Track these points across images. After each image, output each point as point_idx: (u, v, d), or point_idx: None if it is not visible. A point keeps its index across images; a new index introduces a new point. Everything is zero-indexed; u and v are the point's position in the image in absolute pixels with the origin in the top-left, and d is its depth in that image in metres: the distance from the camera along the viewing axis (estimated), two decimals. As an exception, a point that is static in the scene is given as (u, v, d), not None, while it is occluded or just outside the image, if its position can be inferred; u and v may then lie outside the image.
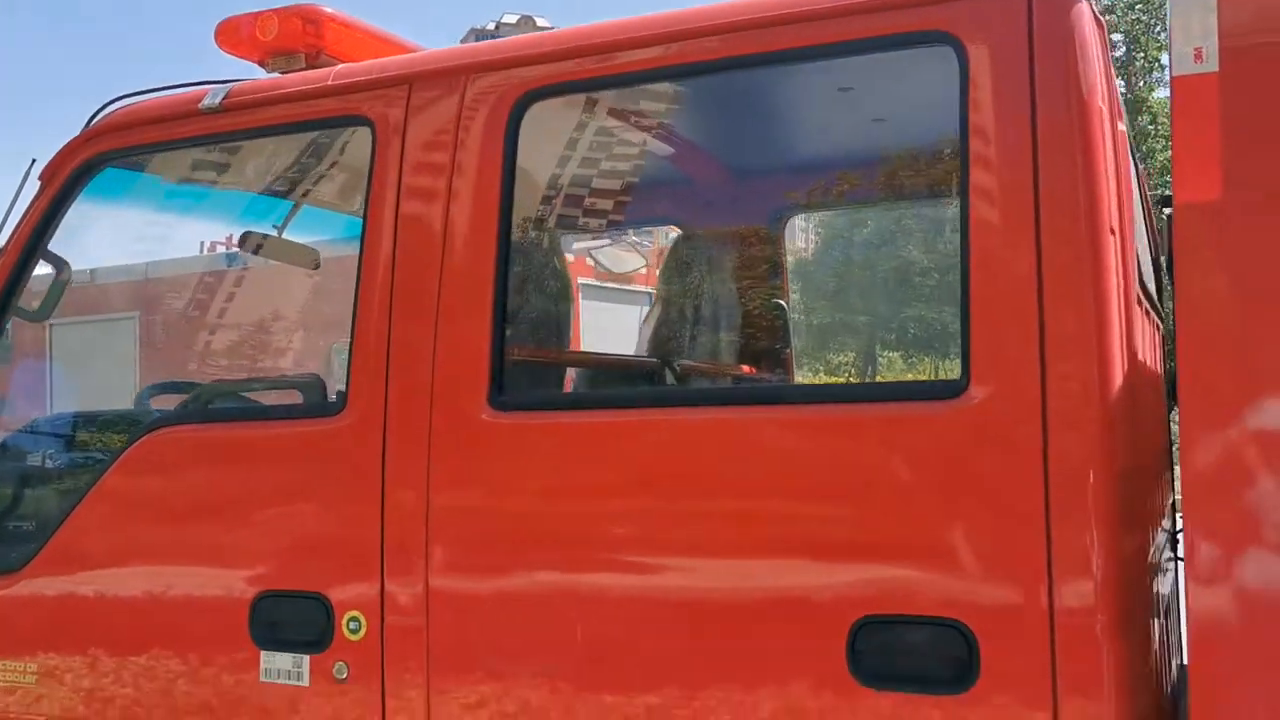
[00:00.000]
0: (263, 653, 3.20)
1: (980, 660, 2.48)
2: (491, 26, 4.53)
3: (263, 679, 3.19)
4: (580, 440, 2.98)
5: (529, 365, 3.51)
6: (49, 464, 4.02)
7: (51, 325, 16.02)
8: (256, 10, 3.68)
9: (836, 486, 2.69)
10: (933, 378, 19.93)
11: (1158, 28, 29.66)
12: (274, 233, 4.28)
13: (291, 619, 3.18)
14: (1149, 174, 2.63)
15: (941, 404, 2.59)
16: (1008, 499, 2.50)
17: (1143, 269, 3.12)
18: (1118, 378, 2.49)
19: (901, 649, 2.58)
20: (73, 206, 3.65)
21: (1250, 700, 2.28)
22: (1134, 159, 3.46)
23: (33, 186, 3.67)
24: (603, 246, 5.48)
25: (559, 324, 3.71)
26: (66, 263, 3.82)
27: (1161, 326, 3.78)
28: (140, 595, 3.39)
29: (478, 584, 2.99)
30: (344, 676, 3.10)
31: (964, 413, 2.55)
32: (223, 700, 3.24)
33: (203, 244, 13.38)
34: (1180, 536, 2.82)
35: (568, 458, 2.97)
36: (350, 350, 3.20)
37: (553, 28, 3.67)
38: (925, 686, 2.54)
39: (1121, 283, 2.56)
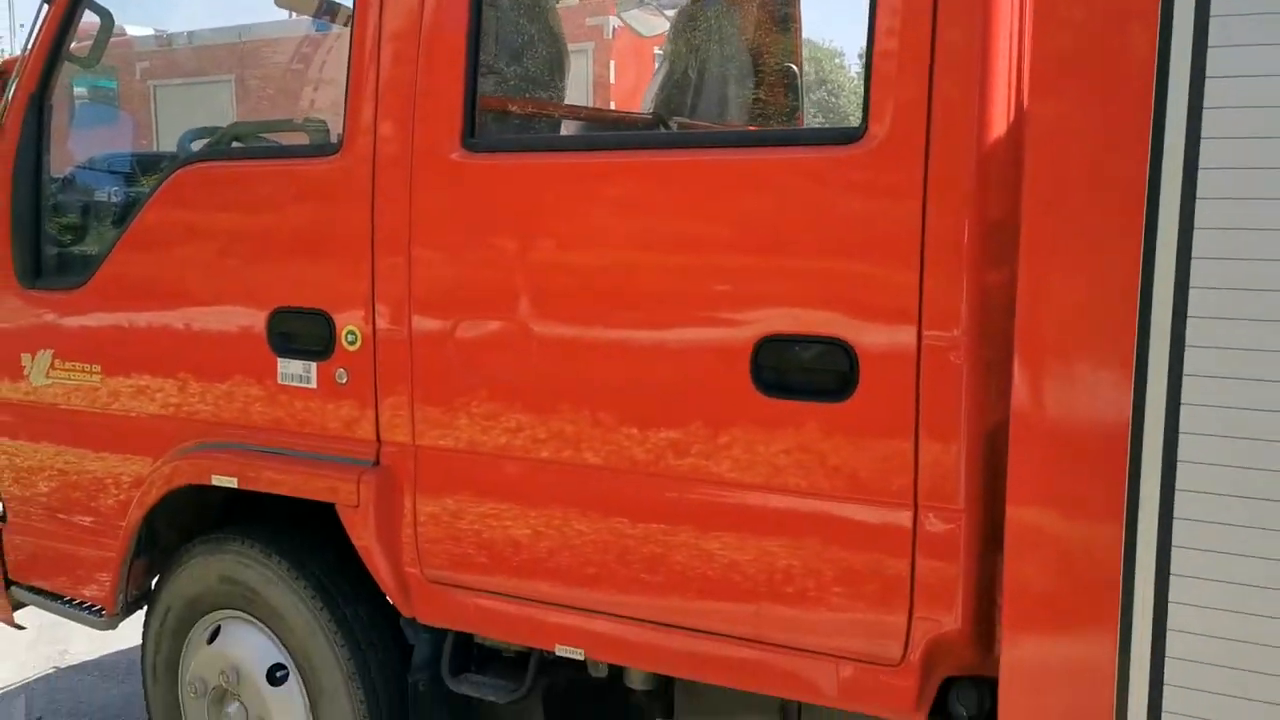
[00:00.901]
0: (279, 359, 3.73)
1: (859, 375, 2.85)
2: None
3: (280, 381, 3.73)
4: (537, 180, 3.33)
5: (506, 113, 3.82)
6: (112, 198, 4.54)
7: (155, 86, 16.65)
8: None
9: (754, 223, 3.00)
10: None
11: None
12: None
13: (301, 331, 3.68)
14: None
15: (843, 148, 2.86)
16: (892, 237, 2.80)
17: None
18: (994, 136, 2.71)
19: (795, 364, 2.95)
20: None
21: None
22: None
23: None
24: (631, 10, 5.61)
25: (546, 77, 3.98)
26: (110, 13, 4.21)
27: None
28: (175, 311, 3.94)
29: (450, 308, 3.42)
30: (344, 381, 3.61)
31: (860, 156, 2.82)
32: (249, 398, 3.81)
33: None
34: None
35: (526, 196, 3.33)
36: (346, 96, 3.56)
37: None
38: (814, 396, 2.93)
39: (1011, 48, 2.73)
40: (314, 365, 3.67)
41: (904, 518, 2.84)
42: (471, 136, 3.36)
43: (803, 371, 2.95)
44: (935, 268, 2.75)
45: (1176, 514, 2.39)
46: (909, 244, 2.76)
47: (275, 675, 3.88)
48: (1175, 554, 2.41)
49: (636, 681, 3.59)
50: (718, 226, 3.05)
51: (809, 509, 2.96)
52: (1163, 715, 2.43)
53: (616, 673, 3.56)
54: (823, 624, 2.98)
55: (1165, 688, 2.43)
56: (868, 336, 2.84)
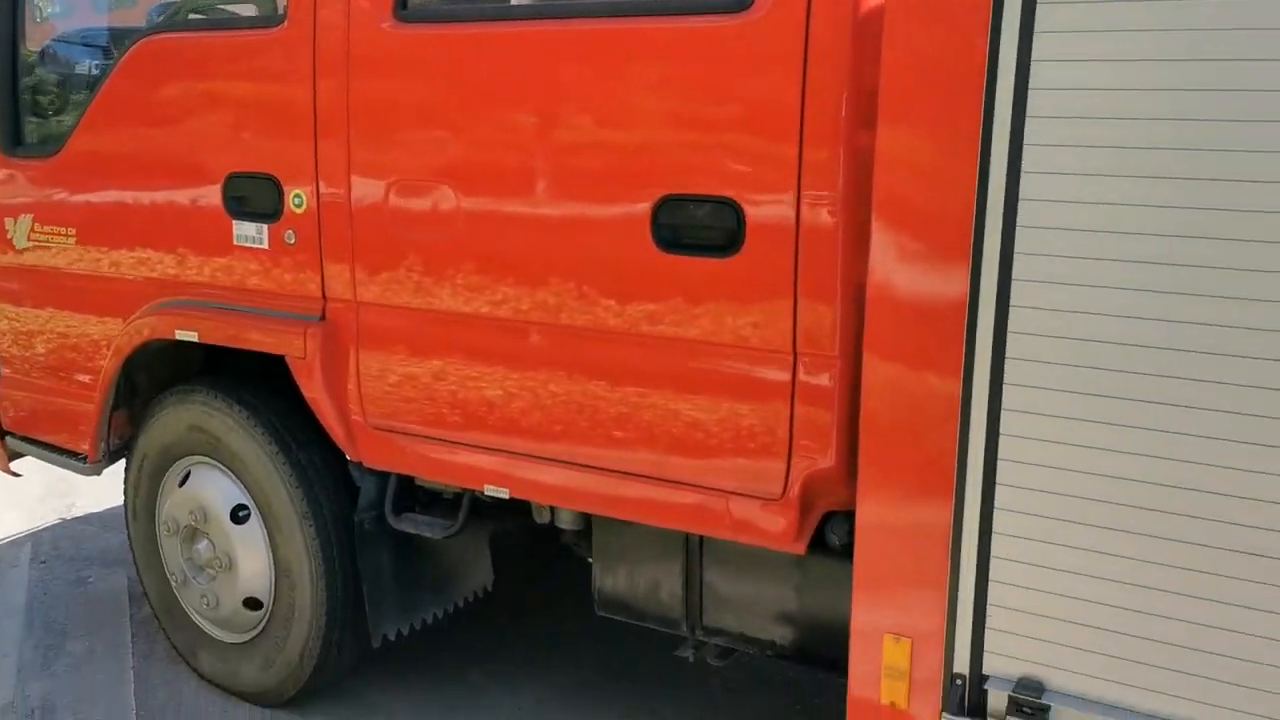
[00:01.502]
0: (234, 222, 3.98)
1: (745, 233, 3.06)
2: None
3: (235, 242, 3.99)
4: (458, 50, 3.51)
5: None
6: (84, 71, 4.75)
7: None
8: None
9: (653, 89, 3.19)
10: None
11: None
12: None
13: (252, 195, 3.93)
14: None
15: (731, 17, 3.02)
16: (775, 104, 2.97)
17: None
18: (867, 11, 2.86)
19: (690, 223, 3.16)
20: None
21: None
22: None
23: None
24: None
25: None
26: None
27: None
28: (141, 176, 4.19)
29: (384, 174, 3.64)
30: (292, 242, 3.86)
31: (746, 25, 2.99)
32: (209, 259, 4.07)
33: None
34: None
35: (449, 66, 3.52)
36: (290, -31, 3.74)
37: None
38: (706, 252, 3.15)
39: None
40: (265, 227, 3.92)
41: (784, 365, 3.09)
42: (403, 8, 3.54)
43: (696, 229, 3.16)
44: (814, 133, 2.94)
45: (1006, 379, 2.61)
46: (790, 111, 2.95)
47: (238, 514, 4.23)
48: (1005, 416, 2.64)
49: (565, 522, 3.91)
50: (622, 92, 3.24)
51: (703, 358, 3.20)
52: (993, 536, 2.70)
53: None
54: (714, 464, 3.24)
55: (995, 511, 2.69)
56: (753, 196, 3.04)
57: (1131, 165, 2.44)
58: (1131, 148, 2.43)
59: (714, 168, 3.10)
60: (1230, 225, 2.35)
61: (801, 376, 3.07)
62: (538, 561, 4.65)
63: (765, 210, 3.03)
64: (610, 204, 3.28)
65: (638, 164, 3.21)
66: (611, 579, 3.74)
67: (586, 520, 3.84)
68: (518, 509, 3.92)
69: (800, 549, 3.20)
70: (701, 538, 3.53)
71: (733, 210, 3.07)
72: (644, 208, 3.18)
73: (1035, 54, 2.49)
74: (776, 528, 3.19)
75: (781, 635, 3.45)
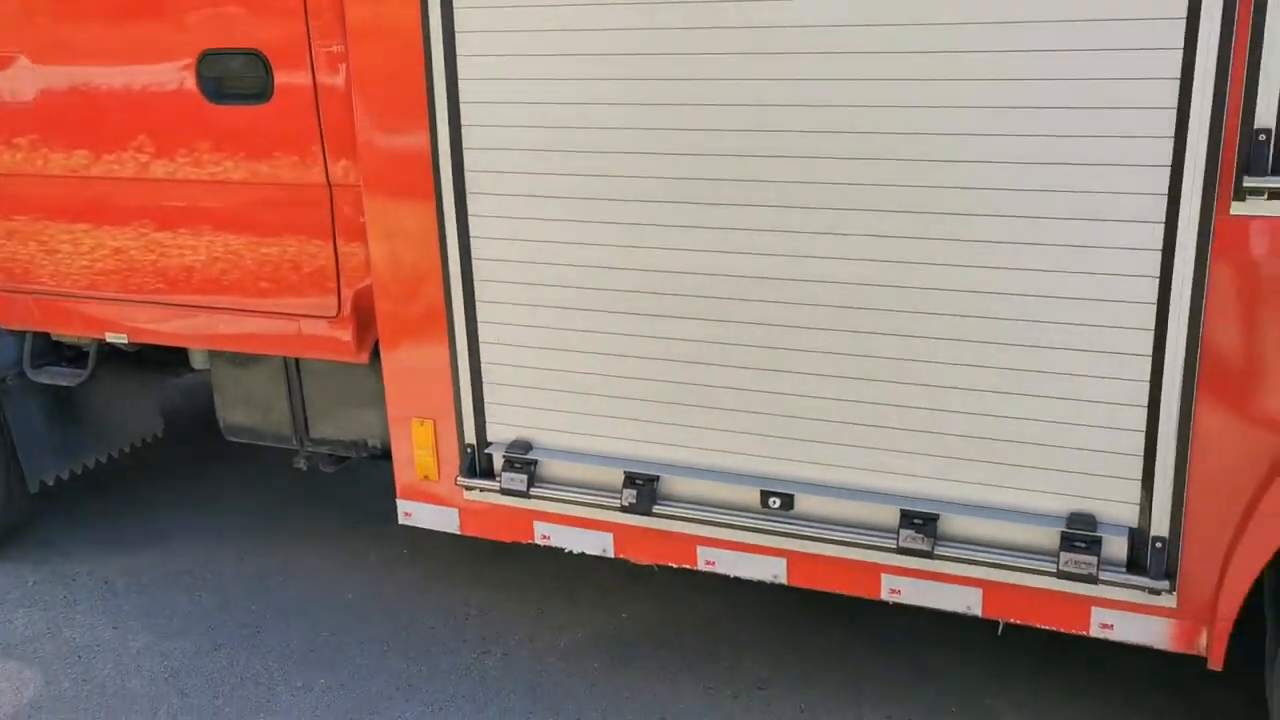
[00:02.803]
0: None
1: (274, 82, 3.42)
2: None
3: None
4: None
5: None
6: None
7: None
8: None
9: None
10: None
11: None
12: None
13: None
14: None
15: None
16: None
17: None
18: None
19: (229, 73, 3.50)
20: None
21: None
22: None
23: None
24: None
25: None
26: None
27: None
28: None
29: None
30: None
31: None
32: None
33: None
34: None
35: None
36: None
37: None
38: (244, 99, 3.50)
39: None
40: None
41: (323, 201, 3.49)
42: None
43: (235, 80, 3.50)
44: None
45: (469, 191, 3.10)
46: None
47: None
48: (472, 223, 3.14)
49: (198, 362, 4.30)
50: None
51: (260, 197, 3.58)
52: (479, 331, 3.21)
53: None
54: (284, 293, 3.66)
55: (478, 305, 3.20)
56: (276, 49, 3.40)
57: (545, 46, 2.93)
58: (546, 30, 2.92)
59: (243, 23, 3.42)
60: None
61: (339, 210, 3.49)
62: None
63: (287, 62, 3.40)
64: (163, 61, 3.58)
65: (182, 23, 3.50)
66: (231, 409, 4.15)
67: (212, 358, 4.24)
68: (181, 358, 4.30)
69: (364, 358, 3.67)
70: (297, 361, 3.97)
71: (261, 62, 3.42)
72: (188, 62, 3.50)
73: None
74: (341, 341, 3.64)
75: (369, 436, 3.94)
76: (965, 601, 2.87)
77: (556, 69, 2.92)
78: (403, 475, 3.51)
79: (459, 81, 3.02)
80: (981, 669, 3.61)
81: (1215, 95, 2.31)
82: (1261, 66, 2.26)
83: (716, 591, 4.04)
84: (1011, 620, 2.87)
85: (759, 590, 3.33)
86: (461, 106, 3.04)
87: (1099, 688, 3.49)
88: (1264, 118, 2.28)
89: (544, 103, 2.96)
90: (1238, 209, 2.35)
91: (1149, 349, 2.50)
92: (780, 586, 3.11)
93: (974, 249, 2.61)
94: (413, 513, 3.53)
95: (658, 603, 4.07)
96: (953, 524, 2.81)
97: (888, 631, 3.80)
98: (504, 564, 4.32)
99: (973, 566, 2.80)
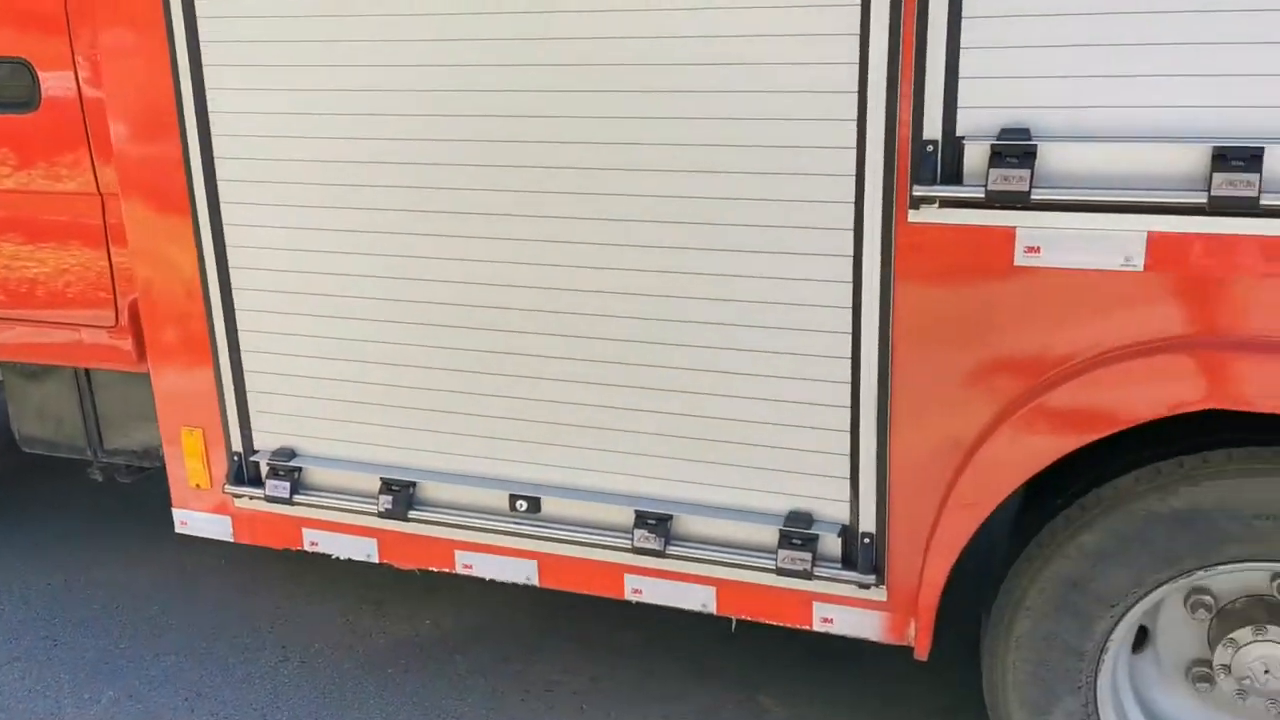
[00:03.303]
0: None
1: (40, 90, 3.42)
2: None
3: None
4: None
5: None
6: None
7: None
8: None
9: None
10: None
11: None
12: None
13: None
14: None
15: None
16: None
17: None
18: None
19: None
20: None
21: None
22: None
23: None
24: None
25: None
26: None
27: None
28: None
29: None
30: None
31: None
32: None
33: None
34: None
35: None
36: None
37: None
38: (12, 108, 3.48)
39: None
40: None
41: (95, 209, 3.49)
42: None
43: (1, 89, 3.49)
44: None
45: (222, 201, 3.12)
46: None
47: None
48: (227, 232, 3.17)
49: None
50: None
51: (31, 208, 3.57)
52: (240, 341, 3.23)
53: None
54: (65, 303, 3.64)
55: (238, 314, 3.22)
56: (41, 57, 3.39)
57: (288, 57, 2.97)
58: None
59: (8, 32, 3.41)
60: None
61: (110, 219, 3.49)
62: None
63: (52, 71, 3.39)
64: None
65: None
66: (25, 420, 4.12)
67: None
68: None
69: (145, 367, 3.66)
70: (88, 371, 3.95)
71: (27, 70, 3.41)
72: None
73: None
74: (122, 351, 3.63)
75: (160, 445, 3.94)
76: (701, 600, 2.95)
77: (301, 80, 2.96)
78: (177, 484, 3.51)
79: (206, 91, 3.04)
80: (756, 668, 3.70)
81: (887, 109, 2.40)
82: (926, 83, 2.36)
83: (524, 601, 4.09)
84: (744, 617, 2.95)
85: (561, 598, 3.40)
86: (210, 116, 3.06)
87: (857, 680, 3.60)
88: (931, 130, 2.38)
89: (290, 113, 2.99)
90: (914, 217, 2.44)
91: (848, 352, 2.60)
92: (583, 596, 3.17)
93: (678, 256, 2.69)
94: (188, 521, 3.54)
95: (466, 611, 4.11)
96: (685, 524, 2.88)
97: (676, 632, 3.88)
98: (320, 572, 4.33)
99: (704, 565, 2.88)
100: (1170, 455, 2.47)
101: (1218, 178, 2.16)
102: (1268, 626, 2.61)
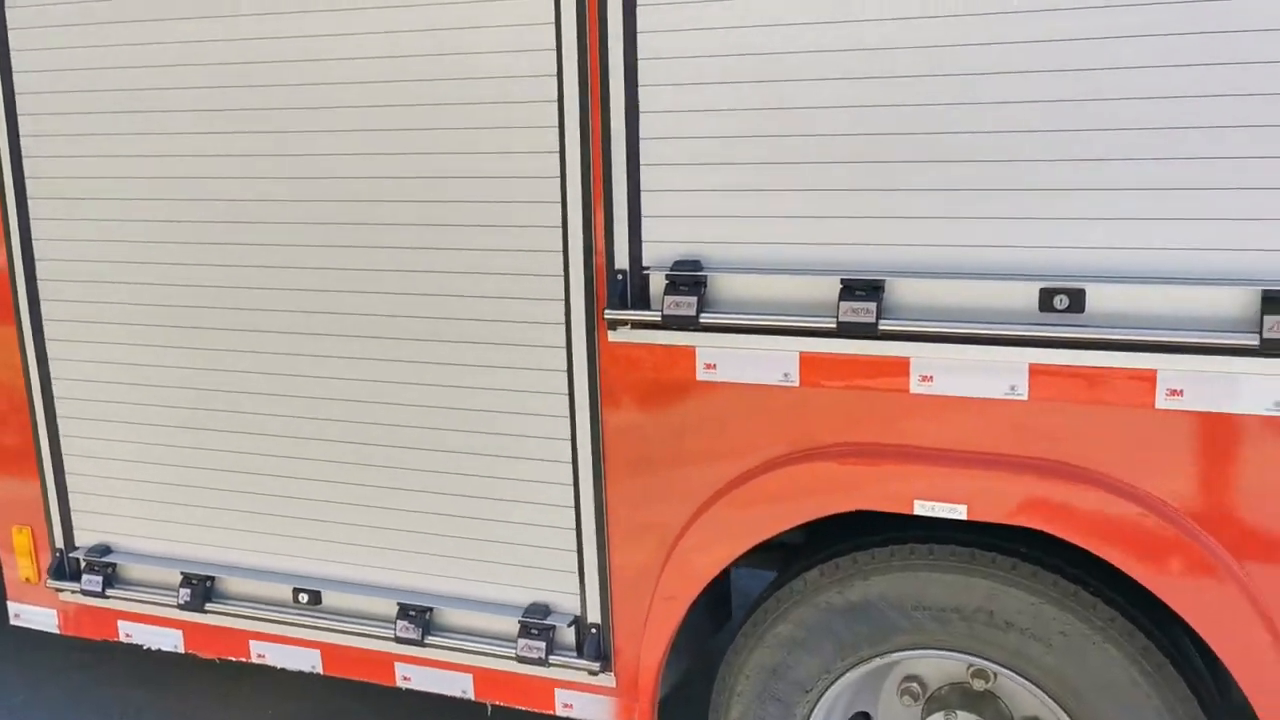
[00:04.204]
0: None
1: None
2: None
3: None
4: None
5: None
6: None
7: None
8: None
9: None
10: None
11: None
12: None
13: None
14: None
15: None
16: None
17: None
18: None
19: None
20: None
21: None
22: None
23: None
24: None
25: None
26: None
27: None
28: None
29: None
30: None
31: None
32: None
33: None
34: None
35: None
36: None
37: None
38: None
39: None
40: None
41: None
42: None
43: None
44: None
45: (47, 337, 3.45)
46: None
47: None
48: (49, 346, 3.47)
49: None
50: None
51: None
52: (61, 447, 3.51)
53: None
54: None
55: (60, 420, 3.51)
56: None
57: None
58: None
59: None
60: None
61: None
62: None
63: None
64: None
65: None
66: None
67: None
68: None
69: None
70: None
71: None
72: None
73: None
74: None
75: None
76: (461, 686, 3.18)
77: (111, 189, 3.28)
78: (10, 579, 3.76)
79: (28, 202, 3.37)
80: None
81: (585, 242, 2.73)
82: (614, 220, 2.68)
83: (371, 695, 4.28)
84: (499, 703, 3.18)
85: (399, 693, 3.61)
86: (31, 224, 3.38)
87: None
88: (621, 261, 2.70)
89: (103, 240, 3.33)
90: (613, 337, 2.75)
91: (568, 457, 2.88)
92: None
93: (419, 370, 3.00)
94: (20, 614, 3.78)
95: (309, 702, 4.31)
96: (444, 615, 3.13)
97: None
98: (179, 667, 4.53)
99: (460, 653, 3.12)
100: (848, 551, 2.74)
101: (844, 305, 2.47)
102: (958, 712, 2.84)
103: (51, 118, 3.29)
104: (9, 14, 3.27)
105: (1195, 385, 2.29)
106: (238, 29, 3.02)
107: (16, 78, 3.31)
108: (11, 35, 3.29)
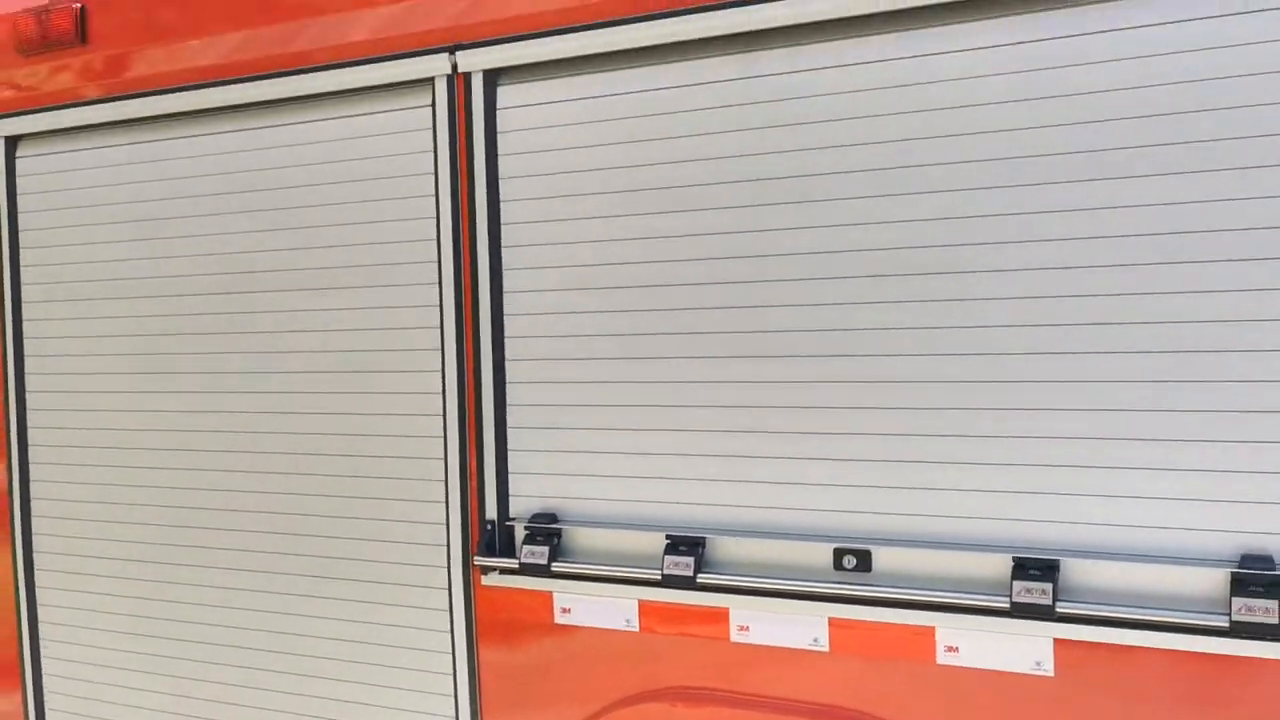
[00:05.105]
0: None
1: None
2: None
3: None
4: None
5: None
6: None
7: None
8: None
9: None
10: None
11: None
12: None
13: None
14: None
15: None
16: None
17: None
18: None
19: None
20: None
21: None
22: None
23: None
24: None
25: None
26: None
27: None
28: None
29: None
30: None
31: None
32: None
33: None
34: None
35: None
36: None
37: None
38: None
39: None
40: None
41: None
42: None
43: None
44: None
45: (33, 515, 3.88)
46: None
47: None
48: (35, 536, 3.89)
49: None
50: None
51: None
52: (42, 667, 3.88)
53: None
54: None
55: (42, 641, 3.88)
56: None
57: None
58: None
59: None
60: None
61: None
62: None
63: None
64: None
65: None
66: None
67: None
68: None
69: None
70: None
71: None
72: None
73: None
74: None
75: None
76: None
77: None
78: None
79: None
80: None
81: (462, 494, 3.05)
82: (485, 474, 3.01)
83: None
84: None
85: None
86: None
87: None
88: (490, 512, 3.01)
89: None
90: (485, 581, 3.03)
91: (450, 690, 3.12)
92: None
93: (311, 583, 3.31)
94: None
95: None
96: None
97: None
98: None
99: None
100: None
101: (668, 559, 2.73)
102: None
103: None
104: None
105: (969, 643, 2.47)
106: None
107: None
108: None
